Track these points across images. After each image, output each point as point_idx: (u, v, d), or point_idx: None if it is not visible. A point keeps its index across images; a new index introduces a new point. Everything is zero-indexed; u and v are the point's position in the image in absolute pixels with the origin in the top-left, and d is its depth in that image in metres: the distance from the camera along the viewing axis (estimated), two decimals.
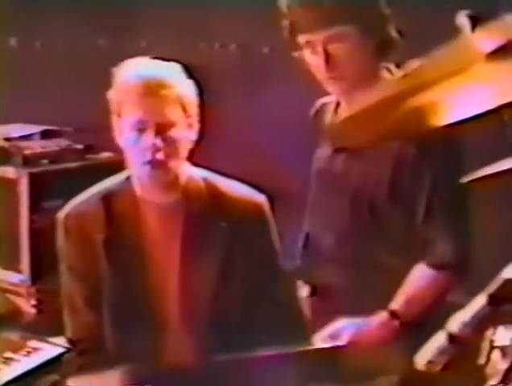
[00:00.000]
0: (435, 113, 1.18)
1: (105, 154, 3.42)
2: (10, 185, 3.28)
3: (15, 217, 3.26)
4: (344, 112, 1.78)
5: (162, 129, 1.95)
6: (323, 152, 2.15)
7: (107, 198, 2.05)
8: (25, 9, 3.83)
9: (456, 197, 1.96)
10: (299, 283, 2.16)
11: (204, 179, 2.08)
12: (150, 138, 1.94)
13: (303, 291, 2.14)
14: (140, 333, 2.00)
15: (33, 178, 3.27)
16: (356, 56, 2.00)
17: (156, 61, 2.03)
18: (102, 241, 2.02)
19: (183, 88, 1.99)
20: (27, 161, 3.34)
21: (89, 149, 3.49)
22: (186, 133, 2.00)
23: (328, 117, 2.16)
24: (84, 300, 2.04)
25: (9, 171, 3.33)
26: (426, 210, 1.99)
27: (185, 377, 1.78)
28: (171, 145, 1.96)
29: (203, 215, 2.04)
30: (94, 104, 3.48)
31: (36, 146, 3.45)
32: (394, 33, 2.02)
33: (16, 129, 3.53)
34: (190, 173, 2.06)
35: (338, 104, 2.14)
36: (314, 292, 2.14)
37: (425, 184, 1.98)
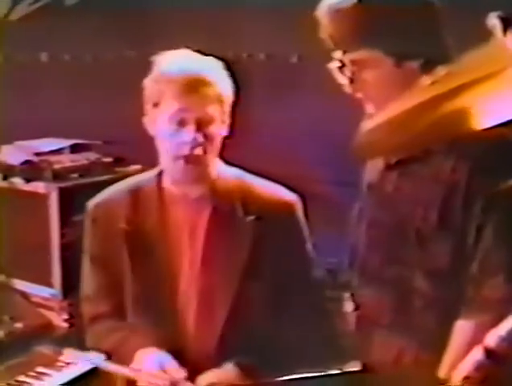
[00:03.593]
0: (468, 119, 1.15)
1: (134, 167, 3.42)
2: (41, 199, 3.30)
3: (46, 231, 3.27)
4: (372, 122, 1.73)
5: (202, 125, 1.97)
6: (375, 165, 2.06)
7: (134, 190, 2.08)
8: (54, 24, 3.86)
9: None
10: (345, 297, 2.10)
11: (236, 176, 2.09)
12: (191, 133, 1.96)
13: (348, 306, 2.08)
14: (160, 327, 2.00)
15: (63, 192, 3.28)
16: (385, 82, 1.90)
17: (199, 55, 2.04)
18: (125, 232, 2.04)
19: (223, 85, 2.01)
20: (57, 175, 3.35)
21: (118, 162, 3.50)
22: (221, 130, 2.02)
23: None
24: (99, 290, 2.07)
25: (39, 186, 3.34)
26: (475, 240, 1.85)
27: None
28: (209, 141, 1.98)
29: (230, 210, 2.04)
30: (123, 116, 3.50)
31: (66, 160, 3.46)
32: (444, 51, 1.86)
33: (46, 144, 3.55)
34: (220, 169, 2.08)
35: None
36: (357, 307, 2.08)
37: (476, 212, 1.85)
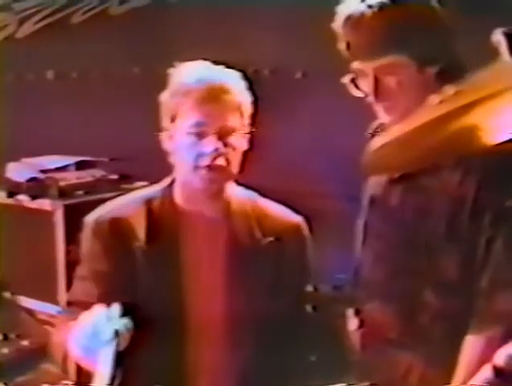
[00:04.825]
0: (476, 137, 1.15)
1: (140, 184, 3.42)
2: (47, 217, 3.30)
3: (51, 248, 3.27)
4: (382, 139, 1.72)
5: (223, 135, 1.91)
6: (378, 179, 2.03)
7: (145, 205, 1.98)
8: (60, 41, 3.88)
9: None
10: (349, 313, 2.10)
11: (248, 197, 2.04)
12: (212, 143, 1.89)
13: (352, 323, 2.06)
14: (175, 350, 1.92)
15: (68, 209, 3.28)
16: (408, 88, 1.88)
17: (216, 66, 1.98)
18: (142, 249, 1.94)
19: (242, 94, 1.95)
20: (63, 192, 3.36)
21: (124, 179, 3.49)
22: (242, 142, 1.96)
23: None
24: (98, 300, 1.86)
25: (45, 203, 3.34)
26: (484, 253, 1.83)
27: None
28: (231, 151, 1.92)
29: (248, 231, 1.99)
30: (129, 133, 3.50)
31: (71, 177, 3.47)
32: (459, 60, 1.87)
33: (52, 161, 3.55)
34: (233, 190, 2.02)
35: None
36: (362, 324, 2.07)
37: (485, 225, 1.83)
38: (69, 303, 2.00)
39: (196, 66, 1.98)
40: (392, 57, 1.86)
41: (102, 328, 1.69)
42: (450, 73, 1.79)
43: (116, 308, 1.72)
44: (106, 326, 1.69)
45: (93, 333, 1.69)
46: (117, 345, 1.67)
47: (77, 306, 1.87)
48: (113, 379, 1.61)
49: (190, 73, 1.95)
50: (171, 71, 1.99)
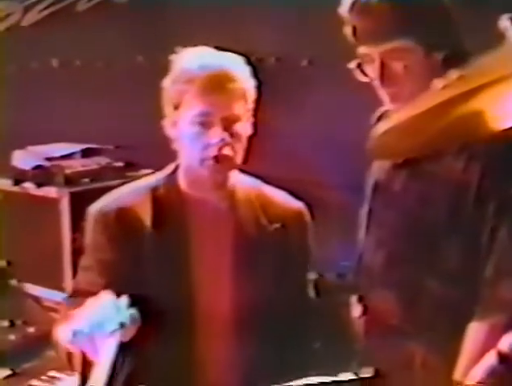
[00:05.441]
0: (481, 122, 1.14)
1: (145, 171, 3.42)
2: (52, 204, 3.31)
3: (57, 236, 3.28)
4: (386, 124, 1.71)
5: (228, 124, 1.88)
6: (382, 164, 2.04)
7: (153, 192, 1.96)
8: (65, 30, 3.88)
9: None
10: (352, 301, 2.09)
11: (252, 184, 2.03)
12: (218, 133, 1.88)
13: (355, 311, 2.05)
14: (183, 340, 1.90)
15: (74, 197, 3.28)
16: (415, 73, 1.88)
17: (219, 52, 1.95)
18: (148, 237, 1.92)
19: (247, 81, 1.92)
20: (69, 180, 3.36)
21: (129, 166, 3.50)
22: (246, 128, 1.94)
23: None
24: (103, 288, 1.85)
25: (50, 191, 3.35)
26: (489, 241, 1.83)
27: None
28: (236, 140, 1.90)
29: (254, 219, 1.98)
30: (134, 121, 3.51)
31: (77, 165, 3.48)
32: (464, 46, 1.88)
33: (57, 149, 3.56)
34: (237, 177, 2.00)
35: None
36: (365, 311, 2.05)
37: (489, 212, 1.83)
38: (73, 293, 1.99)
39: (199, 52, 1.95)
40: (399, 42, 1.86)
41: (108, 318, 1.67)
42: (456, 59, 1.76)
43: (124, 299, 1.71)
44: (112, 316, 1.67)
45: (98, 323, 1.67)
46: (122, 336, 1.65)
47: (81, 296, 1.85)
48: (113, 370, 1.59)
49: (192, 59, 1.92)
50: (173, 57, 1.96)
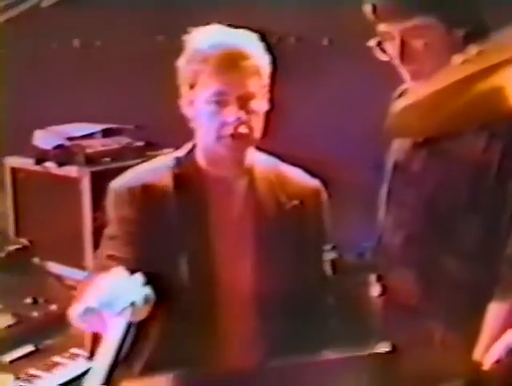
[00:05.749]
0: (501, 99, 1.14)
1: (166, 151, 3.43)
2: (73, 184, 3.33)
3: (78, 215, 3.31)
4: (405, 101, 1.70)
5: (244, 102, 1.89)
6: (401, 144, 2.03)
7: (173, 170, 1.97)
8: (86, 11, 3.88)
9: None
10: (371, 280, 2.10)
11: (270, 162, 2.04)
12: (234, 112, 1.89)
13: (374, 290, 2.06)
14: (203, 316, 1.91)
15: (95, 176, 3.31)
16: (436, 50, 1.86)
17: (232, 29, 1.95)
18: (172, 213, 1.93)
19: (260, 57, 1.93)
20: (89, 159, 3.38)
21: (150, 146, 3.51)
22: (263, 104, 1.94)
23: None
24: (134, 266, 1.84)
25: (72, 170, 3.37)
26: (509, 221, 1.82)
27: (240, 382, 1.72)
28: (253, 117, 1.91)
29: (273, 196, 1.99)
30: (154, 101, 3.51)
31: (98, 145, 3.50)
32: (486, 23, 1.86)
33: (78, 128, 3.58)
34: (254, 155, 2.01)
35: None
36: (384, 291, 2.05)
37: (510, 193, 1.82)
38: (95, 266, 2.01)
39: (211, 30, 1.95)
40: (419, 19, 1.84)
41: (119, 296, 1.64)
42: (477, 36, 1.75)
43: (139, 277, 1.68)
44: (124, 294, 1.64)
45: (108, 300, 1.65)
46: (133, 316, 1.61)
47: (103, 268, 1.84)
48: (120, 349, 1.57)
49: (204, 38, 1.93)
50: (185, 37, 1.96)
